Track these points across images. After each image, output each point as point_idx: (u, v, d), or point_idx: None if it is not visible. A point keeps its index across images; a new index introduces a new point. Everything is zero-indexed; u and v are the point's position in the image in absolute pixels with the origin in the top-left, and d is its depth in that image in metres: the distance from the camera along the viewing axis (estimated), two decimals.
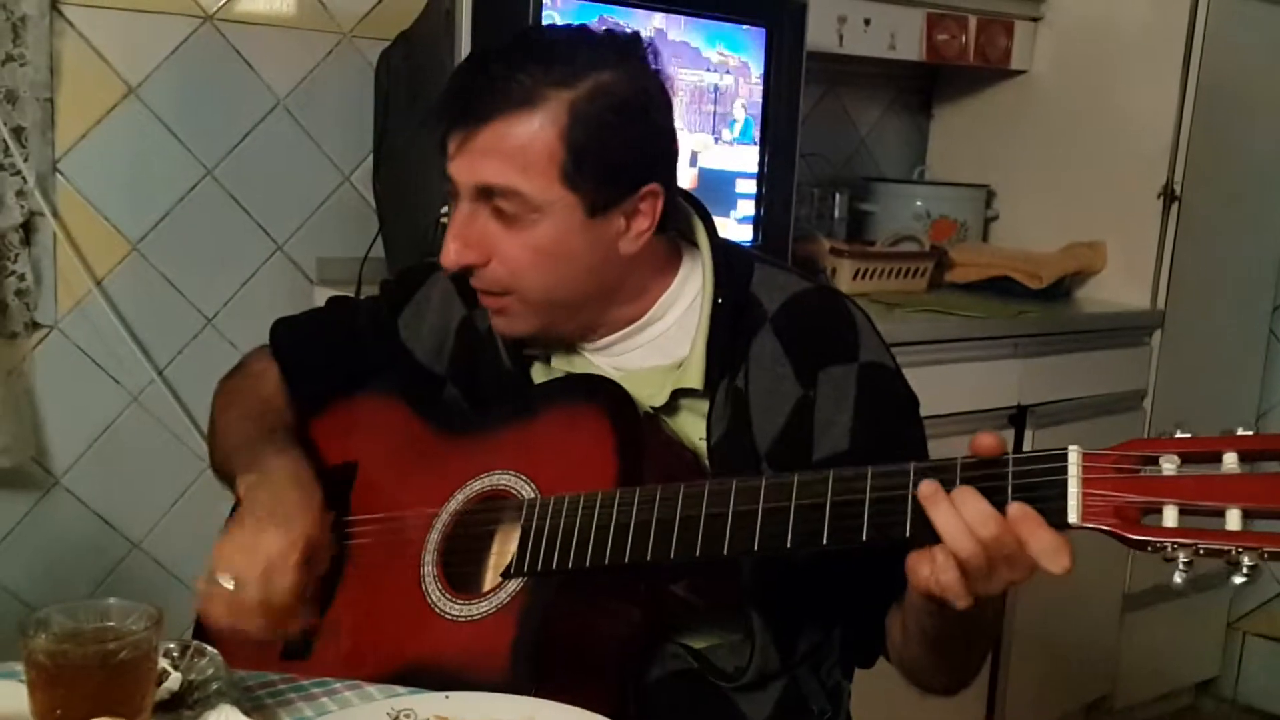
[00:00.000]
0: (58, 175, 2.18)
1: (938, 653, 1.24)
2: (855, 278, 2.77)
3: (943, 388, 2.49)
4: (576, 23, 1.32)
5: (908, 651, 1.27)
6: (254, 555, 1.24)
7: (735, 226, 2.37)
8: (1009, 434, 2.70)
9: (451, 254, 1.27)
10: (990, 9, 3.03)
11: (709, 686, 1.33)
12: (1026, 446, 2.70)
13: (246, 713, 1.02)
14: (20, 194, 2.12)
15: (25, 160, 2.10)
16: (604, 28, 1.30)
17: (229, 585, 1.23)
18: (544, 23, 2.04)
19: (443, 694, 1.10)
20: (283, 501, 1.29)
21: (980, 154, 3.28)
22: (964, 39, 2.99)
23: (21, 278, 2.15)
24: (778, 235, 2.41)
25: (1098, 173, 3.03)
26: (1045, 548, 1.00)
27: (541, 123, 1.22)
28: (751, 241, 2.38)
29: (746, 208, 2.39)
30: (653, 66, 1.29)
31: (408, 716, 1.07)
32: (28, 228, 2.15)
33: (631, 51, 1.27)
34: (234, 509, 1.43)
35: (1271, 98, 3.09)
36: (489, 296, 1.32)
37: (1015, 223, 3.22)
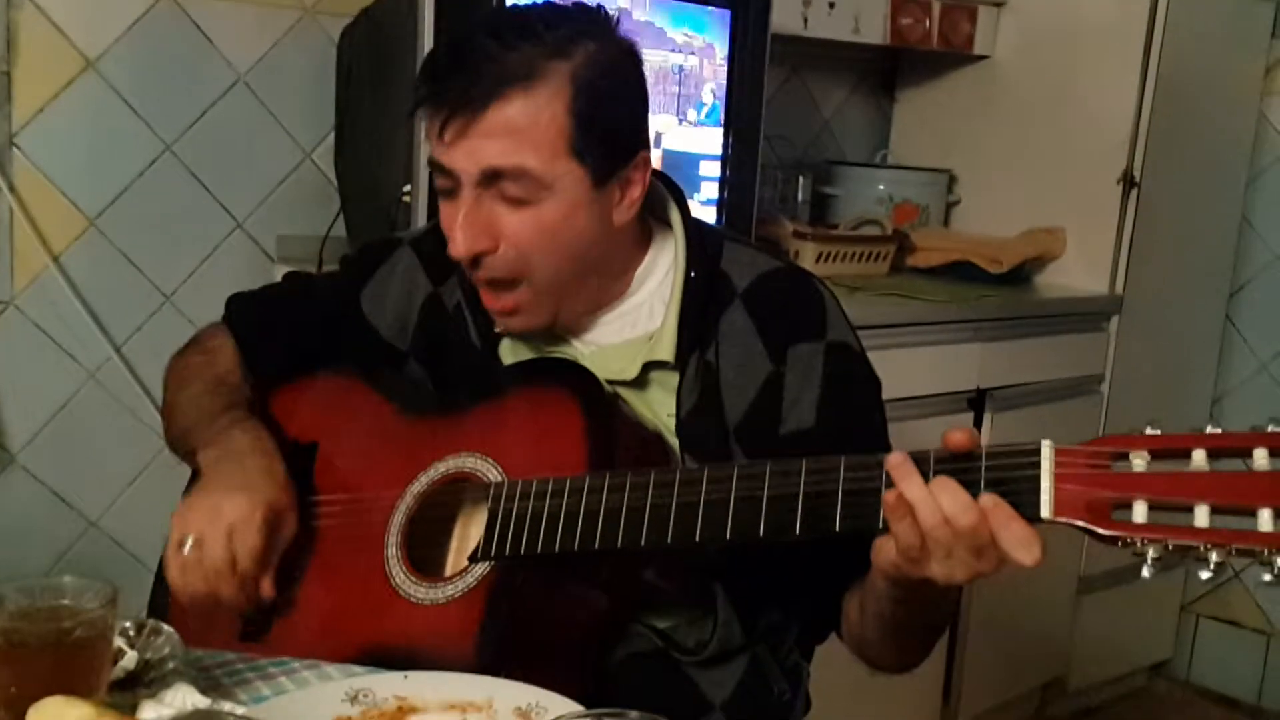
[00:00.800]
0: (14, 150, 2.15)
1: (893, 635, 1.25)
2: (818, 261, 2.78)
3: (903, 371, 2.50)
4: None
5: (863, 632, 1.28)
6: (217, 518, 1.24)
7: (699, 208, 2.36)
8: (968, 417, 2.72)
9: (462, 244, 1.24)
10: None
11: (672, 666, 1.34)
12: (985, 430, 2.73)
13: (203, 692, 1.02)
14: None
15: None
16: (569, 1, 1.29)
17: (191, 548, 1.23)
18: (505, 2, 2.03)
19: (401, 674, 1.09)
20: (244, 468, 1.29)
21: (942, 139, 3.29)
22: (928, 23, 3.00)
23: None
24: (741, 217, 2.41)
25: (1058, 158, 3.05)
26: (1017, 539, 1.01)
27: (547, 97, 1.20)
28: (716, 224, 2.38)
29: (710, 190, 2.39)
30: (621, 34, 1.28)
31: (366, 696, 1.06)
32: None
33: (604, 20, 1.27)
34: (191, 480, 1.43)
35: (1231, 86, 3.12)
36: (499, 295, 1.29)
37: (976, 207, 3.23)
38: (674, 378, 1.32)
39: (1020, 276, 3.00)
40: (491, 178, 1.22)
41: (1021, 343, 2.81)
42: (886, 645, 1.28)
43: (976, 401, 2.74)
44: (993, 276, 2.93)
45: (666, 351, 1.31)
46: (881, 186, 3.14)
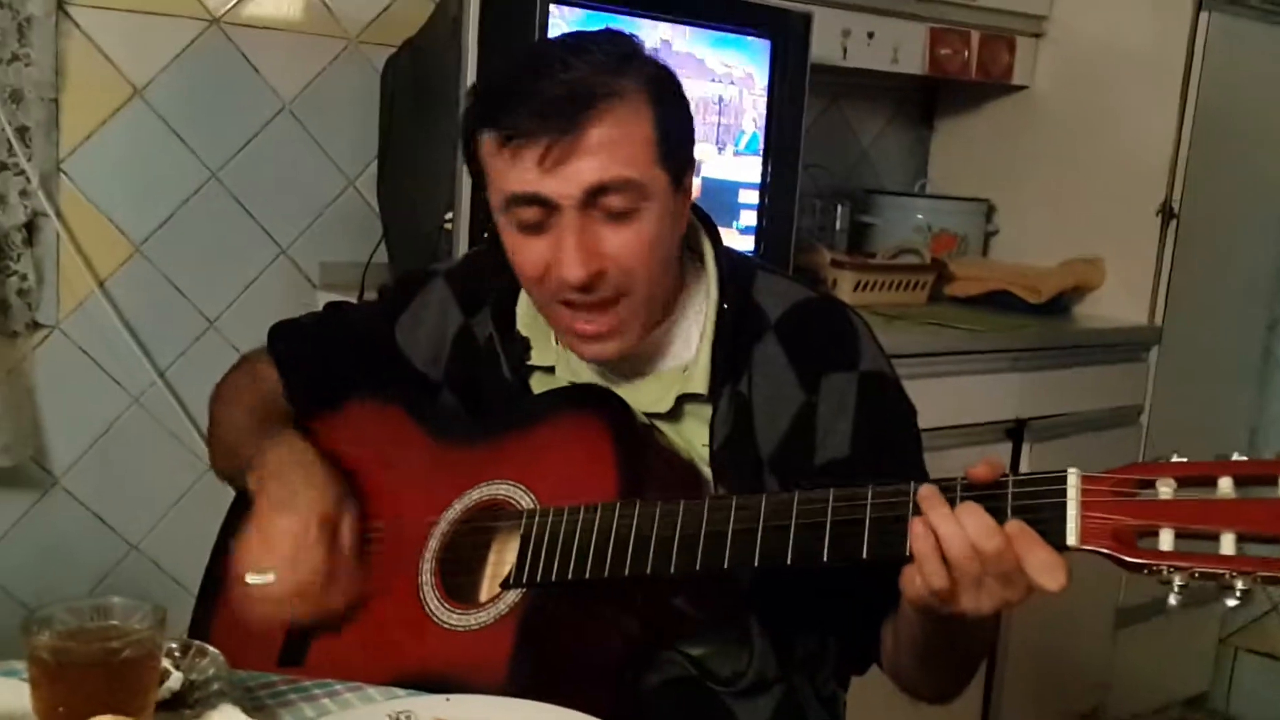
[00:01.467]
0: (61, 175, 2.18)
1: (927, 664, 1.24)
2: (855, 289, 2.78)
3: (941, 401, 2.50)
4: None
5: (899, 660, 1.27)
6: (272, 545, 1.25)
7: (737, 237, 2.38)
8: (1006, 447, 2.71)
9: (579, 267, 1.23)
10: (993, 25, 3.04)
11: (706, 694, 1.33)
12: (1024, 460, 2.71)
13: (247, 713, 1.03)
14: (24, 194, 2.12)
15: (29, 160, 2.11)
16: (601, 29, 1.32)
17: (261, 581, 1.24)
18: (550, 33, 2.05)
19: (443, 696, 1.10)
20: (287, 484, 1.30)
21: (981, 168, 3.29)
22: (966, 54, 3.00)
23: (24, 277, 2.15)
24: (779, 246, 2.42)
25: (1097, 189, 3.04)
26: (1042, 564, 1.01)
27: (633, 109, 1.23)
28: (753, 252, 2.39)
29: (749, 218, 2.40)
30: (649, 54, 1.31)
31: (407, 718, 1.07)
32: (31, 227, 2.15)
33: (639, 43, 1.30)
34: (235, 502, 1.44)
35: (1270, 117, 3.11)
36: (597, 318, 1.27)
37: (1015, 237, 3.23)
38: (707, 409, 1.32)
39: (1059, 307, 2.99)
40: (595, 194, 1.22)
41: (1060, 373, 2.80)
42: (922, 675, 1.27)
43: (1015, 432, 2.73)
44: (1031, 306, 2.93)
45: (700, 384, 1.31)
46: (920, 216, 3.14)
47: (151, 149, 2.26)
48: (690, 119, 1.32)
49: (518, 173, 1.22)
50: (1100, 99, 3.04)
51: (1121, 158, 2.99)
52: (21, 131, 2.10)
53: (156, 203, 2.29)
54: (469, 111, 1.29)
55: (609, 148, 1.21)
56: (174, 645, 1.09)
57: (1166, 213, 2.93)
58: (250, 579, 1.25)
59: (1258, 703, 3.43)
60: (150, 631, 1.00)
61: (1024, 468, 2.72)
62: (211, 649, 1.11)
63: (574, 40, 1.29)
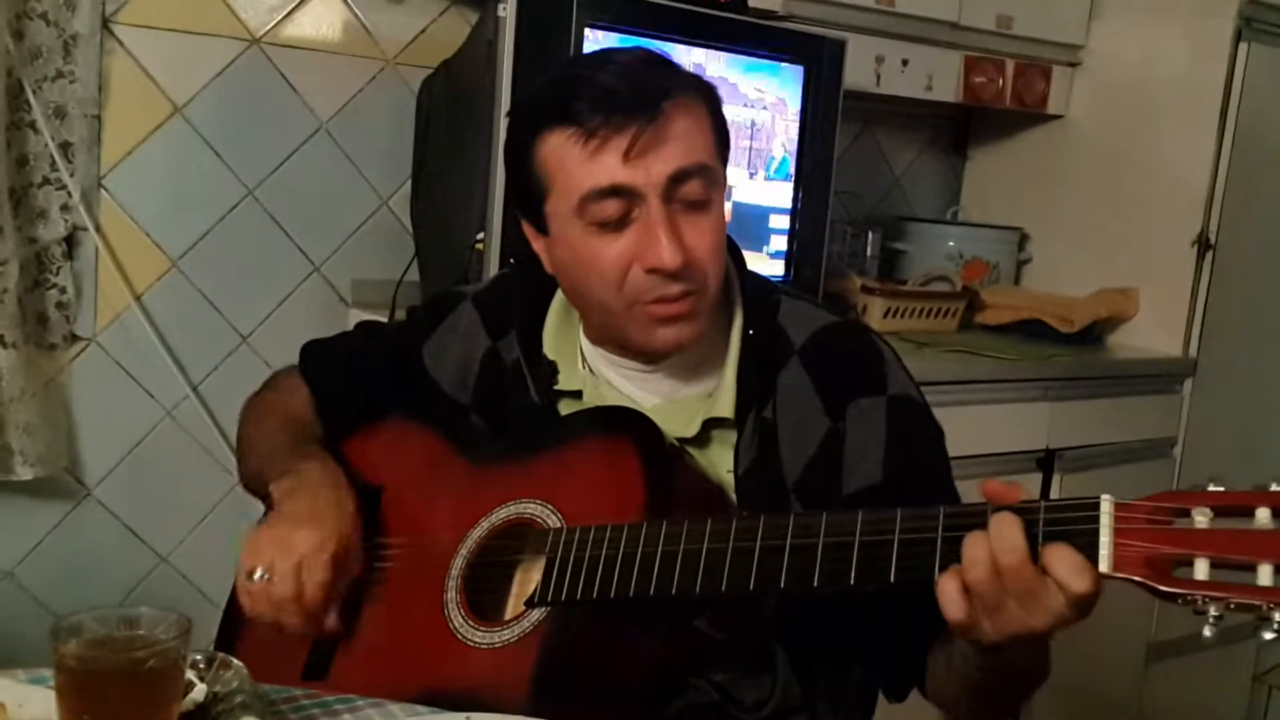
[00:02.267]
0: (102, 191, 2.21)
1: (974, 697, 1.23)
2: (886, 316, 2.78)
3: (971, 429, 2.48)
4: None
5: (947, 689, 1.26)
6: (288, 551, 1.26)
7: (768, 262, 2.38)
8: (1036, 477, 2.69)
9: (672, 254, 1.23)
10: (1029, 54, 3.04)
11: (729, 716, 1.33)
12: (1054, 490, 2.69)
13: None
14: (65, 208, 2.15)
15: (71, 175, 2.14)
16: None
17: (261, 578, 1.25)
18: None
19: (464, 715, 1.10)
20: (315, 500, 1.31)
21: (1014, 197, 3.28)
22: (1001, 82, 3.00)
23: (62, 290, 2.18)
24: (810, 272, 2.42)
25: (1132, 219, 3.02)
26: (1069, 565, 0.99)
27: (694, 105, 1.26)
28: (784, 277, 2.39)
29: (779, 243, 2.40)
30: None
31: None
32: (70, 241, 2.18)
33: (667, 55, 1.33)
34: (265, 515, 1.45)
35: None
36: (676, 302, 1.27)
37: (1048, 266, 3.21)
38: (733, 435, 1.32)
39: (1092, 337, 2.97)
40: (678, 181, 1.23)
41: (1092, 403, 2.78)
42: (971, 704, 1.25)
43: (1045, 461, 2.71)
44: (1063, 336, 2.91)
45: (726, 409, 1.32)
46: (952, 243, 3.13)
47: (190, 166, 2.29)
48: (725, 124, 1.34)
49: (598, 167, 1.22)
50: (1137, 129, 3.02)
51: (1158, 188, 2.97)
52: (64, 147, 2.13)
53: (193, 219, 2.31)
54: (527, 113, 1.29)
55: (686, 136, 1.24)
56: (199, 657, 1.09)
57: (1203, 244, 2.91)
58: (256, 573, 1.26)
59: None
60: (175, 642, 1.00)
61: (1054, 497, 2.69)
62: (236, 661, 1.11)
63: (613, 51, 1.32)
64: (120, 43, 2.19)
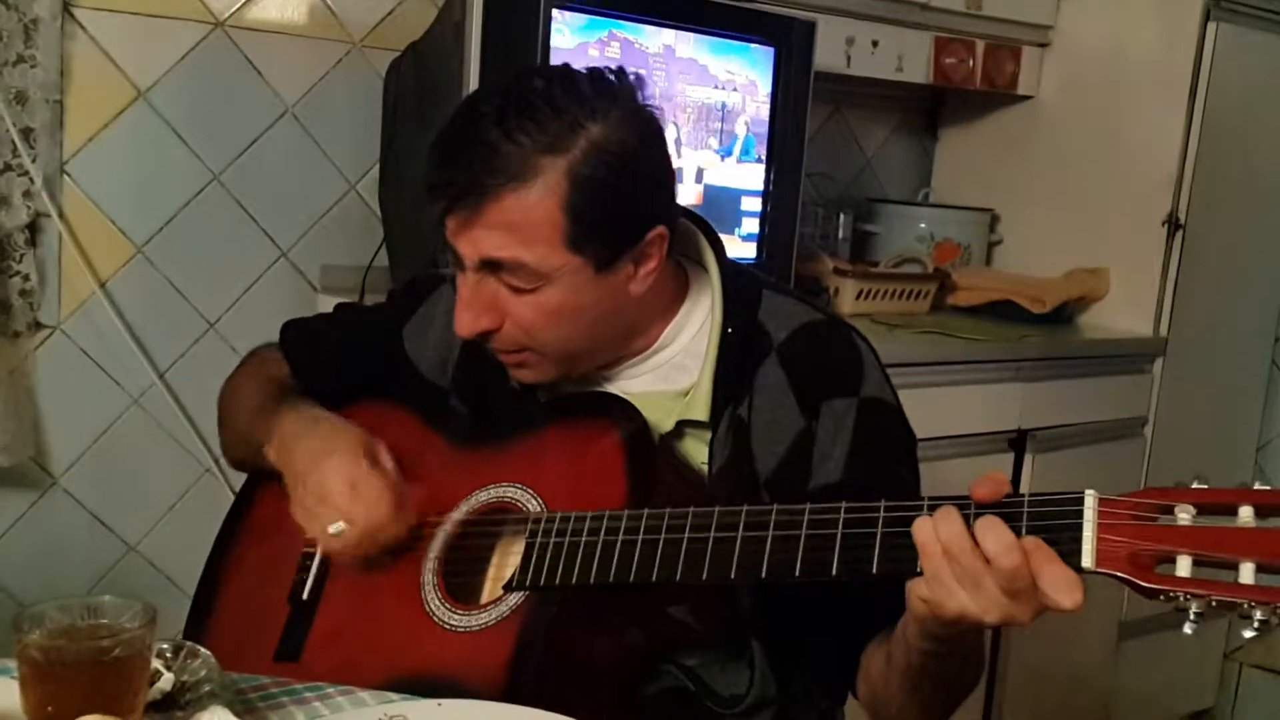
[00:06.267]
0: (65, 177, 2.19)
1: (917, 690, 1.22)
2: (858, 298, 2.78)
3: (943, 410, 2.49)
4: (560, 66, 1.29)
5: (886, 688, 1.25)
6: (330, 493, 1.26)
7: (739, 244, 2.37)
8: (1008, 458, 2.70)
9: (466, 323, 1.27)
10: (998, 34, 3.04)
11: (703, 706, 1.32)
12: (1026, 470, 2.71)
13: (238, 715, 1.02)
14: (27, 194, 2.12)
15: (33, 161, 2.11)
16: (587, 68, 1.26)
17: (337, 531, 1.25)
18: (550, 38, 2.05)
19: (435, 701, 1.09)
20: (316, 437, 1.31)
21: (985, 178, 3.28)
22: (971, 63, 3.00)
23: (26, 278, 2.15)
24: (781, 254, 2.41)
25: (1102, 199, 3.03)
26: (1058, 580, 0.99)
27: (540, 194, 1.19)
28: (755, 259, 2.38)
29: (751, 225, 2.39)
30: (642, 101, 1.26)
31: None
32: (33, 228, 2.15)
33: (617, 93, 1.24)
34: (241, 491, 1.45)
35: (1277, 127, 3.10)
36: (507, 354, 1.31)
37: (1019, 247, 3.22)
38: (707, 431, 1.31)
39: (1063, 317, 2.98)
40: (492, 265, 1.23)
41: (1064, 384, 2.79)
42: (909, 703, 1.25)
43: (1017, 442, 2.72)
44: (1035, 316, 2.92)
45: (701, 411, 1.31)
46: (923, 225, 3.13)
47: (154, 151, 2.26)
48: (642, 194, 1.26)
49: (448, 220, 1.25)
50: (1106, 109, 3.03)
51: (1127, 168, 2.98)
52: (26, 133, 2.10)
53: (158, 205, 2.29)
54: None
55: (508, 228, 1.21)
56: (165, 646, 1.08)
57: (1172, 223, 2.92)
58: (332, 530, 1.26)
59: (1263, 719, 3.41)
60: (141, 631, 0.99)
61: (1026, 479, 2.71)
62: (204, 650, 1.10)
63: (536, 93, 1.22)
64: (82, 26, 2.16)
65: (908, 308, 2.89)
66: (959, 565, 1.02)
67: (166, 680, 1.05)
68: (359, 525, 1.26)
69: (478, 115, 1.22)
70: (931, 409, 2.41)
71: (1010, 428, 2.70)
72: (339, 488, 1.26)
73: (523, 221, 1.20)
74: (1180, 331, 2.97)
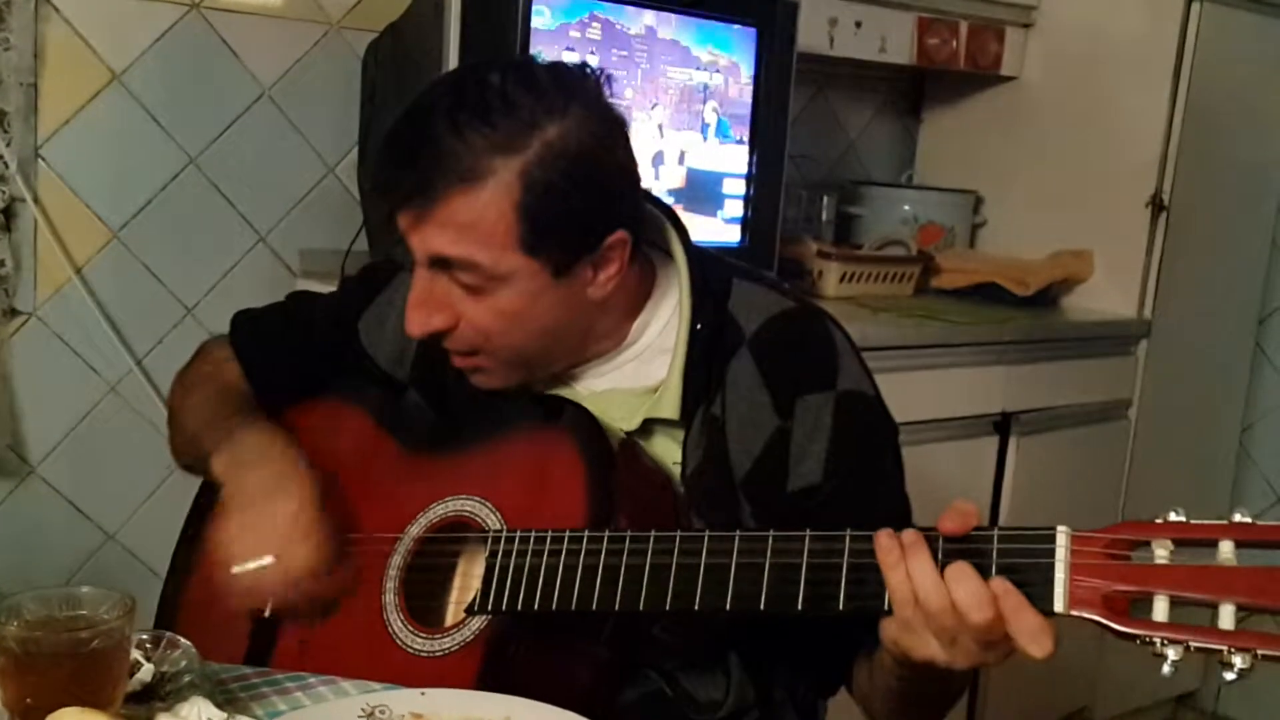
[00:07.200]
0: (40, 161, 2.15)
1: (900, 709, 1.22)
2: (841, 281, 2.76)
3: (927, 393, 2.48)
4: (521, 57, 1.26)
5: (871, 700, 1.25)
6: (266, 529, 1.23)
7: (722, 226, 2.36)
8: (993, 441, 2.70)
9: (417, 323, 1.22)
10: (982, 14, 3.03)
11: (682, 712, 1.30)
12: (1011, 453, 2.70)
13: (219, 705, 1.01)
14: (1, 179, 2.09)
15: (7, 145, 2.08)
16: (550, 61, 1.22)
17: (256, 567, 1.22)
18: (530, 20, 2.02)
19: (418, 690, 1.08)
20: (271, 468, 1.27)
21: (969, 159, 3.27)
22: (955, 44, 2.99)
23: (1, 264, 2.12)
24: (765, 236, 2.40)
25: (1086, 181, 3.02)
26: (1028, 630, 0.97)
27: (492, 195, 1.15)
28: (739, 242, 2.37)
29: (734, 208, 2.38)
30: (605, 98, 1.21)
31: (382, 713, 1.05)
32: (8, 213, 2.12)
33: (578, 90, 1.19)
34: (200, 490, 1.42)
35: (1261, 109, 3.10)
36: (461, 357, 1.27)
37: (1003, 229, 3.21)
38: (679, 431, 1.28)
39: (1047, 299, 2.97)
40: (443, 264, 1.19)
41: (1048, 366, 2.78)
42: (894, 714, 1.25)
43: (1002, 425, 2.71)
44: (1019, 299, 2.91)
45: (671, 409, 1.27)
46: (907, 207, 3.12)
47: (130, 135, 2.23)
48: (600, 198, 1.20)
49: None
50: (1090, 90, 3.02)
51: (1111, 149, 2.97)
52: (0, 116, 2.08)
53: (135, 189, 2.26)
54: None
55: (459, 227, 1.16)
56: (145, 637, 1.07)
57: (1156, 205, 2.92)
58: (241, 568, 1.22)
59: (1248, 702, 3.42)
60: (120, 622, 0.97)
61: (1011, 461, 2.71)
62: (184, 641, 1.09)
63: (492, 89, 1.17)
64: (56, 9, 2.12)
65: (892, 290, 2.88)
66: (936, 623, 1.00)
67: (146, 671, 1.04)
68: (283, 571, 1.22)
69: (428, 110, 1.18)
70: (916, 392, 2.41)
71: (995, 410, 2.69)
72: (277, 528, 1.23)
73: (474, 222, 1.16)
74: (1165, 313, 2.97)
